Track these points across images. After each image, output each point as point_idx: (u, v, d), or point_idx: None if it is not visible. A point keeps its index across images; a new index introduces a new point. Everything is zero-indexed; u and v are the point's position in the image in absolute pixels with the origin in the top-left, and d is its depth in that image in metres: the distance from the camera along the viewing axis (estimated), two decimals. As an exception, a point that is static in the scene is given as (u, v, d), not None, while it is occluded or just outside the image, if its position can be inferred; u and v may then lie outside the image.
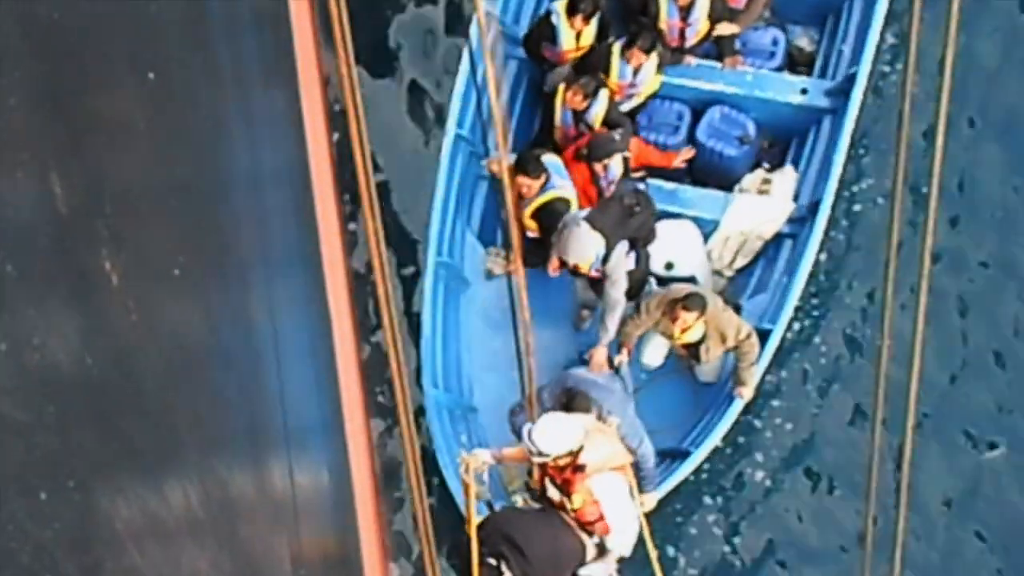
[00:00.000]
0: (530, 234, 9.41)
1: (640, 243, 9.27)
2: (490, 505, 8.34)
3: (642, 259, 9.36)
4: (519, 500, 8.92)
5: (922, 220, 3.49)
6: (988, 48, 10.64)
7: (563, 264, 9.21)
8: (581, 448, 7.78)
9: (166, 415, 4.33)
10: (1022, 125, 10.62)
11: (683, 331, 9.11)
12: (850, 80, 9.75)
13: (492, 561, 7.75)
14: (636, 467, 8.77)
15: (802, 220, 9.71)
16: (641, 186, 9.63)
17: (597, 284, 9.29)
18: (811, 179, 9.92)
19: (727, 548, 9.70)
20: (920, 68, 3.67)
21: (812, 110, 10.01)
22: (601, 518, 7.98)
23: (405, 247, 10.09)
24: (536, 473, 8.14)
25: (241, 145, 5.95)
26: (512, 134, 9.91)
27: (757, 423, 9.88)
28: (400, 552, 9.36)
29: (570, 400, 8.58)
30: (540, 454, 7.71)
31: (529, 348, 7.93)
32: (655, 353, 9.56)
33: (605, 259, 8.96)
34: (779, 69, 10.20)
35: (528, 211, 9.35)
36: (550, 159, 9.38)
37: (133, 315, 3.91)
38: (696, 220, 9.73)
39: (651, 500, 8.90)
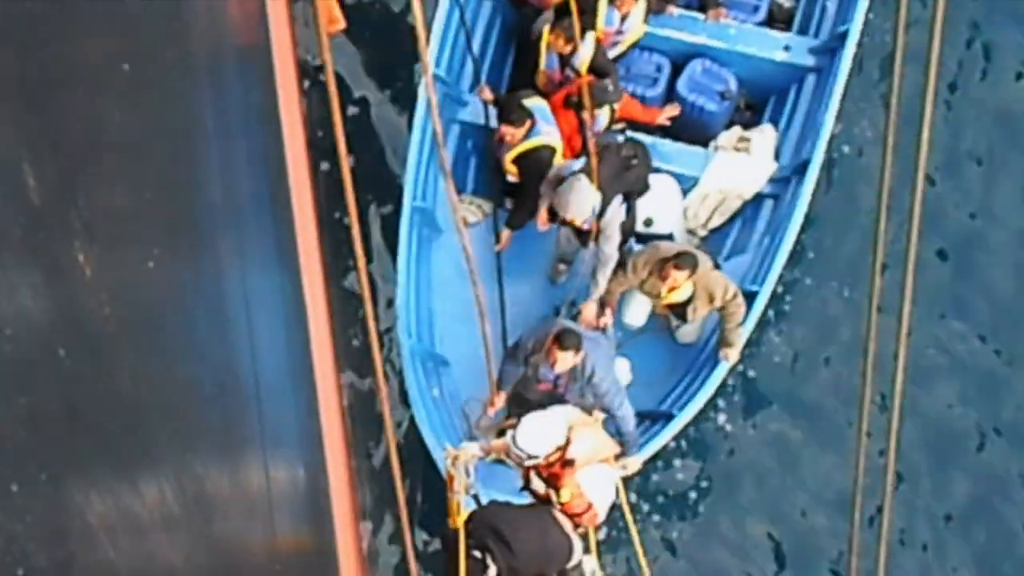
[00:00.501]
0: (509, 178, 9.24)
1: (634, 197, 9.12)
2: (476, 499, 8.30)
3: (631, 212, 9.20)
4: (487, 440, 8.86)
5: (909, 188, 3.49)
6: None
7: (552, 217, 9.07)
8: (568, 442, 7.74)
9: (139, 408, 4.31)
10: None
11: (671, 290, 8.93)
12: (840, 39, 9.59)
13: (477, 554, 7.66)
14: (616, 430, 8.72)
15: (785, 180, 9.57)
16: (620, 138, 9.46)
17: (583, 235, 9.13)
18: (793, 139, 9.77)
19: (708, 512, 9.73)
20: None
21: (794, 68, 9.85)
22: (589, 507, 7.96)
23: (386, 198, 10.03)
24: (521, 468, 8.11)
25: (216, 138, 5.92)
26: (485, 76, 9.72)
27: (739, 387, 9.87)
28: (376, 533, 9.36)
29: (561, 333, 8.46)
30: (530, 457, 7.67)
31: (484, 311, 7.84)
32: (638, 313, 9.38)
33: (600, 213, 8.82)
34: (763, 24, 10.02)
35: (510, 156, 9.14)
36: (536, 103, 9.11)
37: (106, 308, 3.89)
38: (675, 176, 9.60)
39: (635, 463, 8.83)
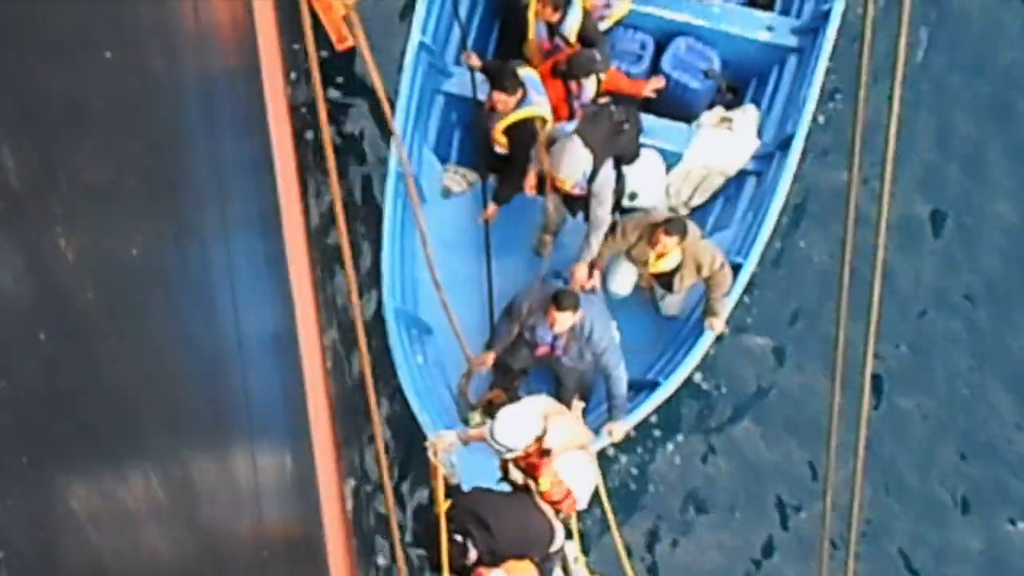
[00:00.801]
0: (498, 150, 9.22)
1: (625, 161, 9.09)
2: (458, 488, 8.33)
3: (621, 180, 9.18)
4: (476, 418, 8.86)
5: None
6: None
7: (540, 184, 9.04)
8: (544, 432, 7.77)
9: (123, 394, 4.31)
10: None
11: (659, 257, 8.90)
12: (823, 18, 9.61)
13: (458, 538, 7.72)
14: (608, 392, 8.72)
15: (768, 157, 9.59)
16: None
17: (571, 203, 9.10)
18: (775, 117, 9.78)
19: (692, 478, 9.76)
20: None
21: (777, 48, 9.87)
22: (568, 495, 7.99)
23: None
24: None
25: (200, 125, 5.92)
26: (471, 45, 9.68)
27: (721, 357, 9.89)
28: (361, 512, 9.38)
29: (558, 294, 8.48)
30: (508, 450, 7.69)
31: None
32: (623, 281, 9.34)
33: (592, 176, 8.79)
34: (746, 4, 10.02)
35: (501, 126, 9.09)
36: (527, 73, 9.08)
37: (89, 293, 3.90)
38: (659, 151, 9.61)
39: (620, 430, 8.82)
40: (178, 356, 5.12)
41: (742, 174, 9.66)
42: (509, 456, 7.77)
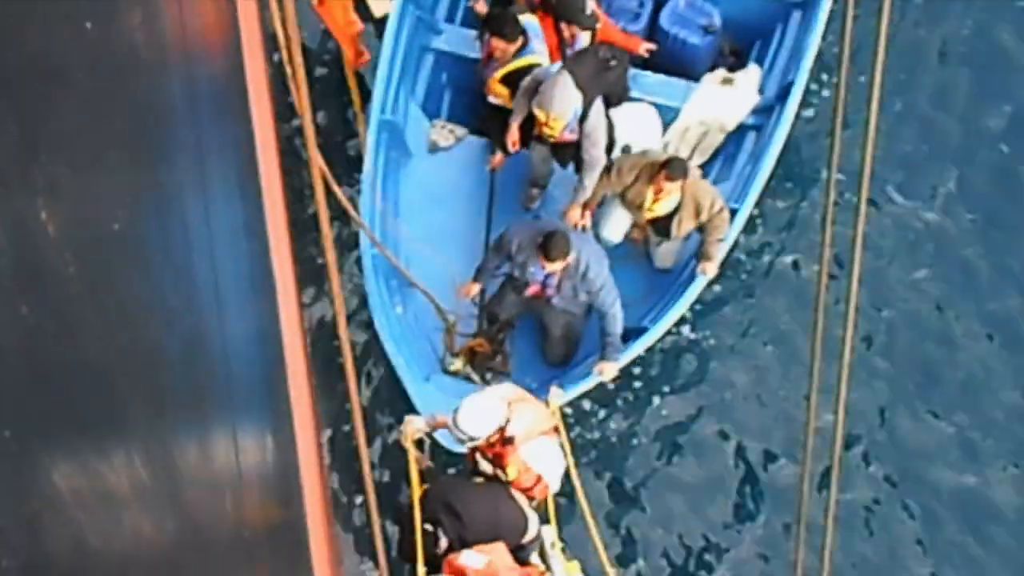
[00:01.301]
0: (495, 101, 9.07)
1: (614, 100, 8.98)
2: (431, 475, 8.31)
3: (611, 127, 9.06)
4: (456, 364, 8.84)
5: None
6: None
7: (524, 137, 8.90)
8: (507, 420, 7.73)
9: (106, 371, 4.27)
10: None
11: (657, 200, 8.75)
12: None
13: (428, 527, 7.72)
14: (602, 330, 8.64)
15: (768, 110, 9.54)
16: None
17: (560, 153, 8.97)
18: (777, 73, 9.75)
19: (675, 429, 9.75)
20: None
21: (780, 4, 9.78)
22: (539, 480, 7.97)
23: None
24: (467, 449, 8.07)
25: (182, 99, 5.87)
26: None
27: (708, 306, 9.85)
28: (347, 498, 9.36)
29: (549, 239, 8.37)
30: (471, 439, 7.66)
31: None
32: (616, 228, 9.16)
33: (583, 117, 8.66)
34: None
35: (499, 75, 8.98)
36: (528, 19, 8.93)
37: (71, 267, 3.85)
38: (657, 107, 9.52)
39: (611, 370, 8.76)
40: (160, 333, 5.08)
41: (742, 129, 9.55)
42: (471, 444, 7.73)
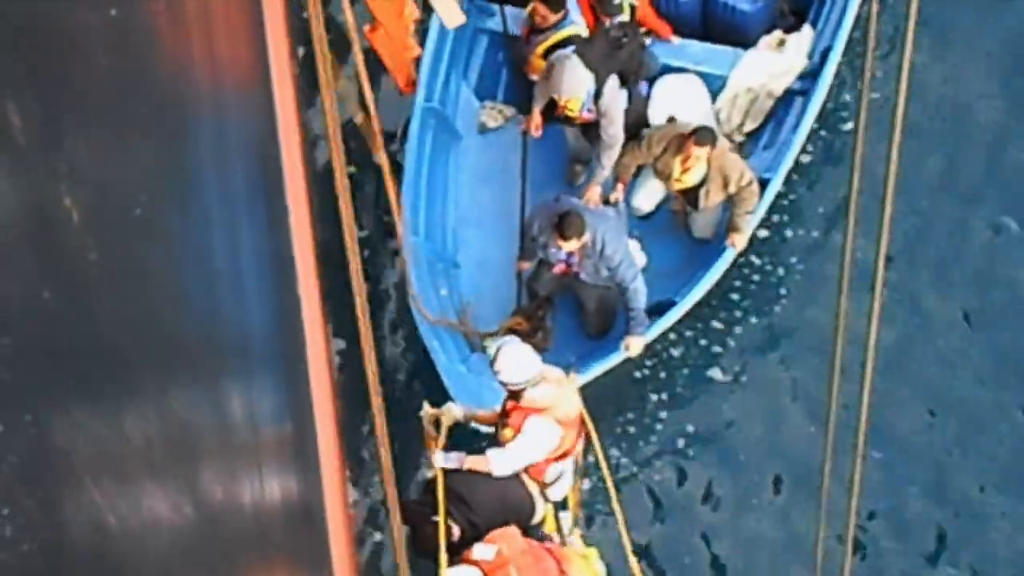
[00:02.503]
0: (535, 78, 9.18)
1: (631, 77, 9.04)
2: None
3: (635, 98, 9.11)
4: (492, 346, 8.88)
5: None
6: None
7: (547, 114, 9.01)
8: (538, 382, 7.77)
9: (125, 355, 4.31)
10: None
11: (685, 170, 8.83)
12: None
13: (437, 519, 7.72)
14: (625, 306, 8.73)
15: (814, 75, 9.54)
16: (647, 41, 9.35)
17: (589, 130, 9.07)
18: (826, 35, 9.76)
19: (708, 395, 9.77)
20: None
21: None
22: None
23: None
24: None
25: (205, 85, 5.90)
26: None
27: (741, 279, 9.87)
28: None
29: (563, 220, 8.47)
30: (503, 383, 7.69)
31: None
32: (648, 197, 9.30)
33: (597, 96, 8.76)
34: None
35: (541, 48, 9.08)
36: None
37: (93, 253, 3.89)
38: (703, 76, 9.53)
39: (637, 345, 8.87)
40: (180, 318, 5.12)
41: (789, 94, 9.56)
42: (500, 380, 7.72)
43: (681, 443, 9.72)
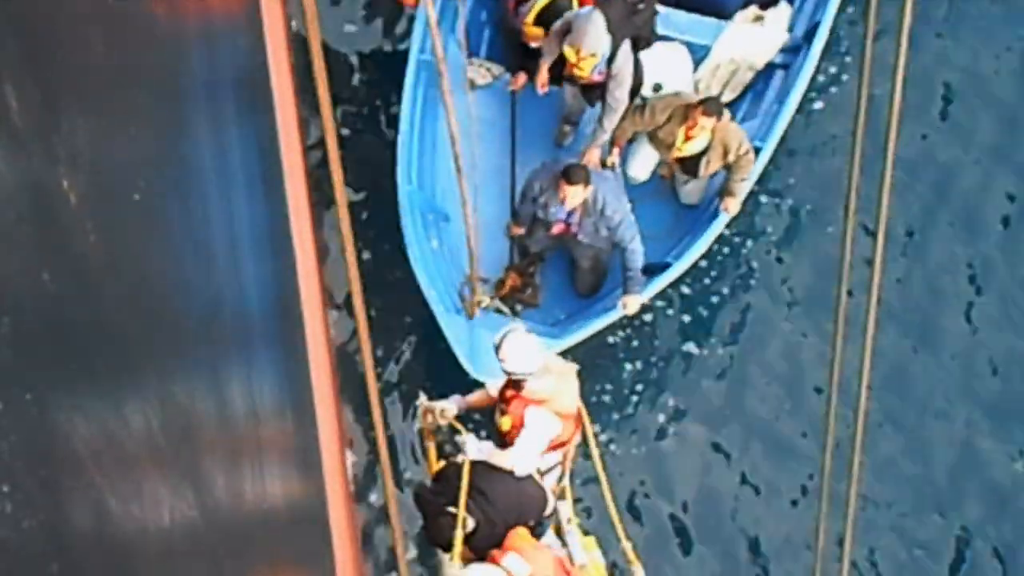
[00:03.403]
0: (535, 45, 9.28)
1: (642, 43, 9.17)
2: (441, 449, 8.31)
3: (639, 66, 9.23)
4: (486, 302, 8.93)
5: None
6: None
7: (554, 74, 9.10)
8: (537, 371, 7.77)
9: (125, 339, 4.33)
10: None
11: (688, 139, 8.99)
12: None
13: (453, 509, 7.67)
14: (623, 265, 8.83)
15: (796, 49, 9.68)
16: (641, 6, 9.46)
17: (589, 93, 9.18)
18: (807, 10, 9.87)
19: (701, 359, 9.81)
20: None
21: None
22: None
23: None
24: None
25: (203, 73, 5.92)
26: None
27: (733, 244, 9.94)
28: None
29: (568, 169, 8.58)
30: (509, 372, 7.66)
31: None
32: (643, 165, 9.48)
33: (611, 59, 8.88)
34: None
35: (533, 13, 9.16)
36: None
37: (92, 236, 3.91)
38: (688, 45, 9.67)
39: (634, 304, 8.99)
40: (178, 302, 5.15)
41: (770, 67, 9.72)
42: (505, 368, 7.71)
43: (661, 417, 9.79)
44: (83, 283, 3.86)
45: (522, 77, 9.49)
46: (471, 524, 7.66)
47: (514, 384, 7.80)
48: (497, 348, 7.67)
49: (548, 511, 8.07)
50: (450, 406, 8.10)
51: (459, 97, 9.59)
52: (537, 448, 7.89)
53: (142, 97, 4.75)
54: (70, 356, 3.68)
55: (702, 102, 8.92)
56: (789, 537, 9.51)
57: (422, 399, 8.20)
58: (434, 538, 7.84)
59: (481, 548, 7.65)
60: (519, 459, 7.81)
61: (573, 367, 8.06)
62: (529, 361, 7.68)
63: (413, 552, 9.21)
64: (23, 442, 3.20)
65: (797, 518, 9.48)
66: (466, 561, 7.62)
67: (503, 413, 7.93)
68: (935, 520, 9.54)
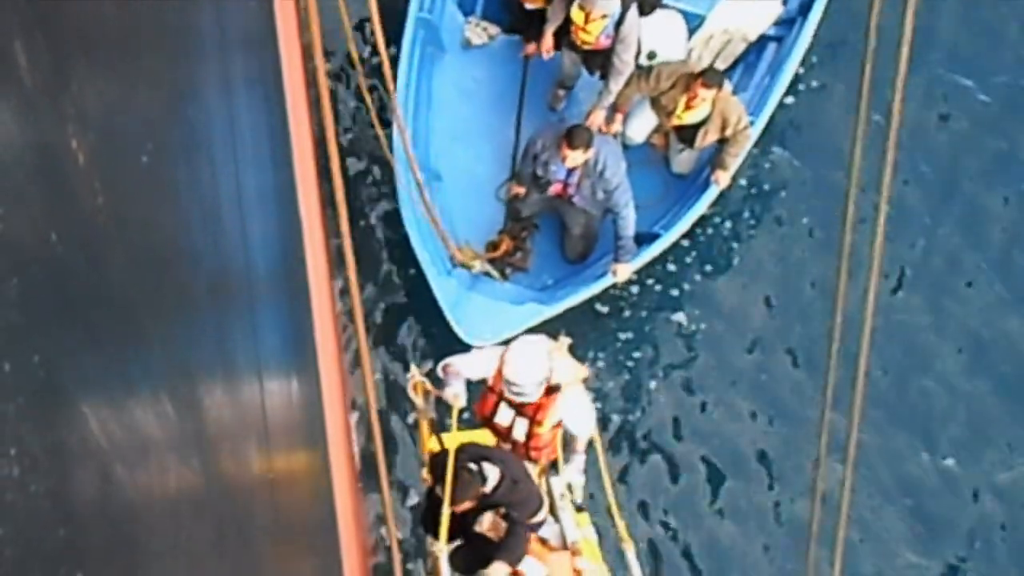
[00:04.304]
0: (531, 6, 9.32)
1: (647, 8, 9.24)
2: (433, 424, 8.20)
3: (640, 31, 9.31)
4: (477, 265, 8.93)
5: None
6: None
7: (557, 42, 9.15)
8: (551, 370, 7.59)
9: (132, 304, 4.29)
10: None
11: (689, 108, 9.05)
12: None
13: (473, 466, 7.44)
14: (615, 233, 8.89)
15: (789, 22, 9.75)
16: None
17: (590, 60, 9.23)
18: None
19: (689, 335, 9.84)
20: None
21: None
22: (553, 440, 7.83)
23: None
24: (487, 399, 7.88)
25: (212, 39, 5.87)
26: None
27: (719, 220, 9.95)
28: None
29: (571, 130, 8.63)
30: (525, 395, 7.42)
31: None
32: (640, 128, 9.58)
33: (619, 22, 8.94)
34: None
35: None
36: None
37: (100, 198, 3.86)
38: (683, 14, 9.73)
39: (624, 271, 9.05)
40: (186, 268, 5.10)
41: (763, 40, 9.79)
42: (523, 400, 7.47)
43: (652, 384, 9.80)
44: (91, 245, 3.81)
45: (532, 46, 9.49)
46: (495, 477, 7.38)
47: (551, 390, 7.50)
48: (515, 386, 7.32)
49: (540, 517, 7.84)
50: (459, 391, 7.78)
51: (455, 56, 9.62)
52: (592, 419, 7.79)
53: (151, 58, 4.70)
54: (77, 319, 3.64)
55: (702, 73, 8.96)
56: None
57: (413, 370, 8.00)
58: (451, 495, 7.54)
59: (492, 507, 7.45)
60: (579, 447, 7.79)
61: (553, 343, 7.84)
62: (543, 365, 7.37)
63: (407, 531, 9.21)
64: (30, 405, 3.15)
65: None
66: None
67: (524, 415, 7.67)
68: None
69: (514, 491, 7.42)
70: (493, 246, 9.32)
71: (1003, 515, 9.53)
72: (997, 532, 9.53)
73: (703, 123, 9.07)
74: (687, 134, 9.24)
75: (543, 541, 7.86)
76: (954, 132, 10.50)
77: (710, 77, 8.91)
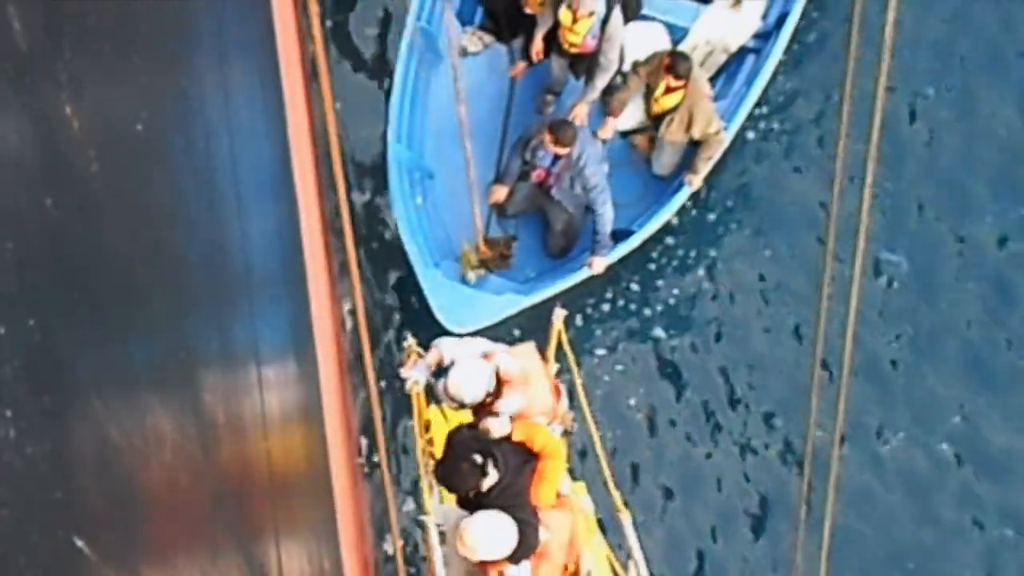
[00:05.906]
0: (529, 11, 9.56)
1: (630, 13, 9.49)
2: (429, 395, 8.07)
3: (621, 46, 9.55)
4: (470, 276, 9.17)
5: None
6: None
7: (546, 48, 9.35)
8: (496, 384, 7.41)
9: (128, 269, 4.31)
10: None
11: (668, 91, 9.26)
12: None
13: (478, 458, 7.34)
14: (593, 229, 9.21)
15: (767, 35, 10.06)
16: None
17: (576, 64, 9.47)
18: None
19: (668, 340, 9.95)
20: None
21: None
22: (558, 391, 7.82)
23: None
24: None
25: (207, 10, 5.87)
26: None
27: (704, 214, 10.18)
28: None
29: (554, 127, 8.87)
30: (461, 404, 7.37)
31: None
32: (626, 116, 9.82)
33: (605, 20, 9.16)
34: None
35: None
36: None
37: (94, 164, 3.88)
38: (667, 26, 10.06)
39: (600, 264, 9.37)
40: (181, 234, 5.12)
41: (743, 51, 10.13)
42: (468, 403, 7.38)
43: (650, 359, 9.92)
44: (86, 211, 3.84)
45: (521, 65, 9.80)
46: (492, 478, 7.35)
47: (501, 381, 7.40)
48: (449, 397, 7.23)
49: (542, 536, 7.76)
50: (419, 378, 7.67)
51: (449, 65, 9.87)
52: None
53: (145, 26, 4.71)
54: (72, 283, 3.66)
55: (670, 54, 9.22)
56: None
57: (410, 340, 7.91)
58: (448, 479, 7.49)
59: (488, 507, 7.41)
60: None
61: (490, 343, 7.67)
62: (481, 378, 7.25)
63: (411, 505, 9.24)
64: (25, 368, 3.18)
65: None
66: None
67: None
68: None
69: (502, 497, 7.39)
70: (479, 251, 9.56)
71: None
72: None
73: (674, 110, 9.34)
74: (660, 121, 9.55)
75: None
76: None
77: (676, 57, 9.16)
